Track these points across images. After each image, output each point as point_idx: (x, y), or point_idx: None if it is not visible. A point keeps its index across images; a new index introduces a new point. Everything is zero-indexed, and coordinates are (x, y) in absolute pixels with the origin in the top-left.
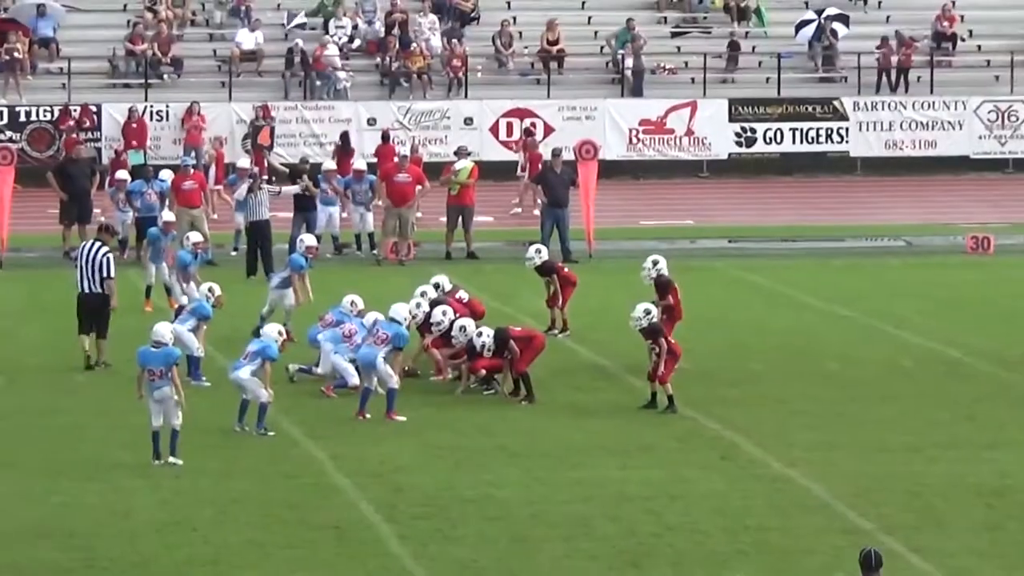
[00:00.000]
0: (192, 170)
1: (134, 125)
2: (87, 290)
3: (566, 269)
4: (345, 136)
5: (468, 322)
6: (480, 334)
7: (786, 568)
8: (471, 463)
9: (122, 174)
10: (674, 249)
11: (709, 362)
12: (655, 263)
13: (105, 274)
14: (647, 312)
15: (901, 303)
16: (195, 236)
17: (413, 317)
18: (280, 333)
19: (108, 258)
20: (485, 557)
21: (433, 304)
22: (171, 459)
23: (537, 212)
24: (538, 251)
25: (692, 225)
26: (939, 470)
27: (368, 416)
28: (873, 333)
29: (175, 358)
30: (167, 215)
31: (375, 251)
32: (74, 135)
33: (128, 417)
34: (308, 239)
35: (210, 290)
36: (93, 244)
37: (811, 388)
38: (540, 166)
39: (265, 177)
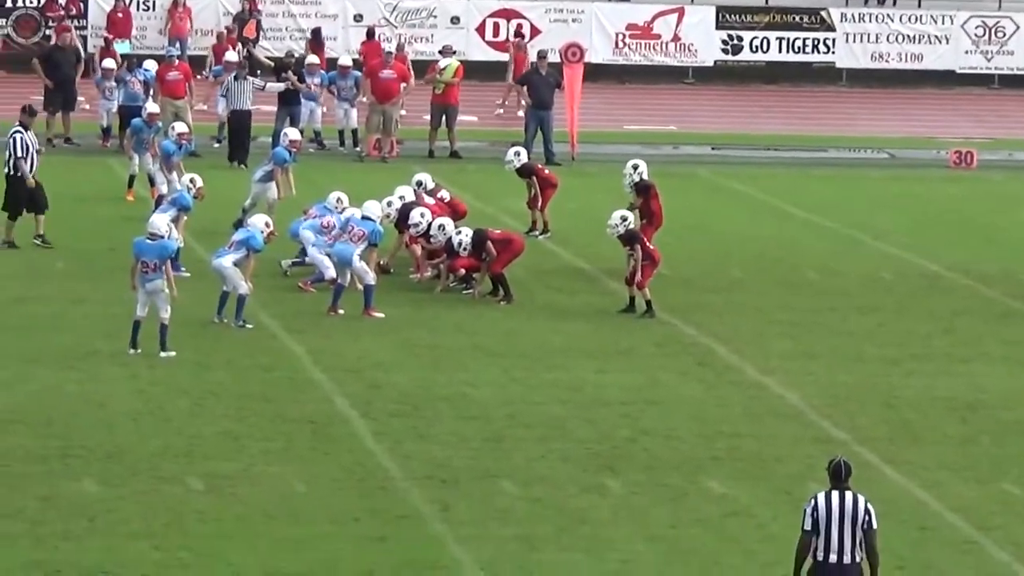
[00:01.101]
0: (177, 60)
1: (119, 14)
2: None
3: (547, 171)
4: (316, 32)
5: (447, 221)
6: (459, 233)
7: (759, 475)
8: (448, 361)
9: (109, 62)
10: (657, 155)
11: (689, 269)
12: (636, 167)
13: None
14: (623, 219)
15: (882, 215)
16: (180, 127)
17: (387, 216)
18: (267, 224)
19: (14, 138)
20: (459, 456)
21: (409, 206)
22: (163, 354)
23: (521, 113)
24: (517, 153)
25: (676, 131)
26: (915, 383)
27: (341, 312)
28: (853, 244)
29: (170, 251)
30: (151, 106)
31: (358, 147)
32: (65, 23)
33: (108, 307)
34: (292, 133)
35: (191, 181)
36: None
37: (790, 297)
38: (525, 68)
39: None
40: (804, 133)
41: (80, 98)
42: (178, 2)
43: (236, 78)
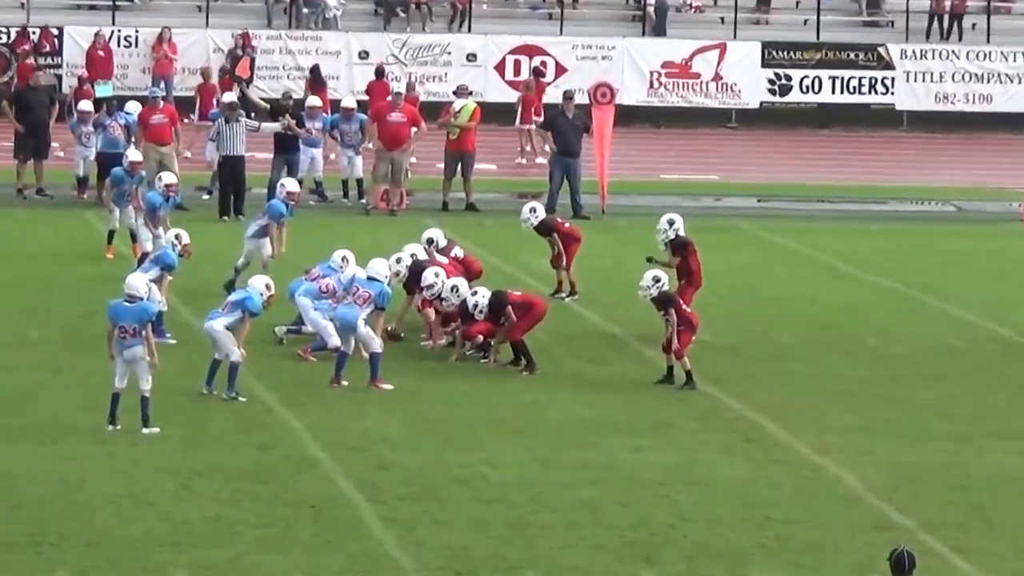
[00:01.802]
0: (162, 102)
1: (100, 52)
2: None
3: (567, 224)
4: (315, 70)
5: (461, 282)
6: (475, 293)
7: (813, 566)
8: (464, 438)
9: (85, 105)
10: (696, 207)
11: (733, 334)
12: (671, 223)
13: None
14: (656, 280)
15: (948, 275)
16: (167, 176)
17: (396, 275)
18: (267, 287)
19: None
20: (478, 544)
21: (421, 264)
22: (145, 430)
23: (544, 160)
24: (533, 210)
25: (718, 181)
26: (989, 462)
27: (345, 384)
28: (916, 306)
29: (150, 314)
30: (132, 153)
31: (363, 199)
32: (30, 60)
33: (87, 377)
34: (289, 184)
35: (176, 237)
36: None
37: (846, 365)
38: (544, 110)
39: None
40: (860, 183)
41: (54, 144)
42: (163, 38)
43: (227, 121)
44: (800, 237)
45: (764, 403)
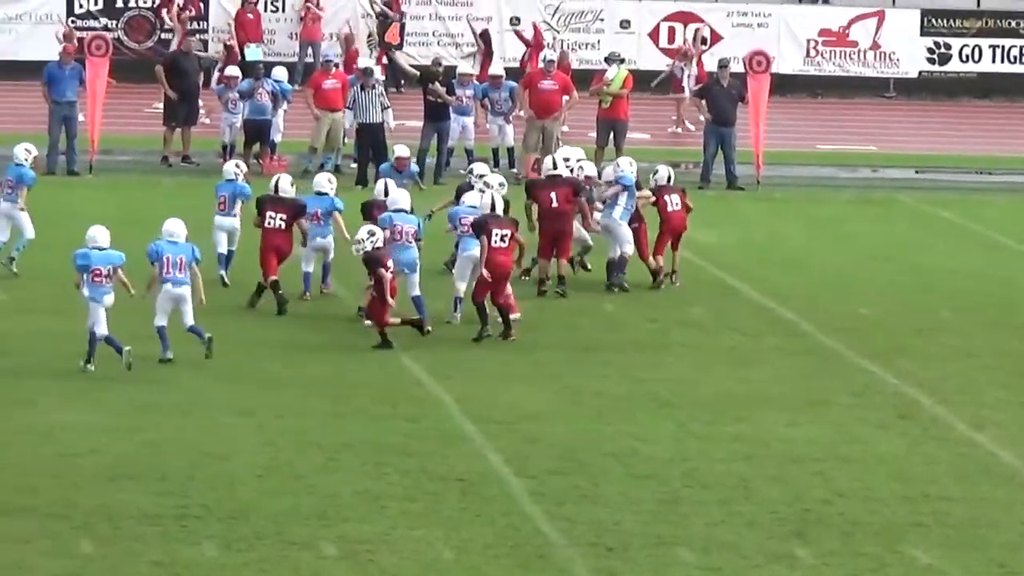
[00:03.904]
0: (334, 68)
1: (250, 15)
2: None
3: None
4: (486, 35)
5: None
6: None
7: (969, 544)
8: (615, 412)
9: (232, 70)
10: (853, 178)
11: (890, 308)
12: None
13: None
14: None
15: None
16: (400, 150)
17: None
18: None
19: None
20: (629, 520)
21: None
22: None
23: (694, 129)
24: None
25: (875, 151)
26: None
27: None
28: None
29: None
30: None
31: (514, 168)
32: (179, 24)
33: (230, 347)
34: (399, 149)
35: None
36: None
37: (1006, 340)
38: (700, 78)
39: (381, 78)
40: (1021, 154)
41: (202, 111)
42: (311, 2)
43: (363, 88)
44: (959, 209)
45: (920, 378)
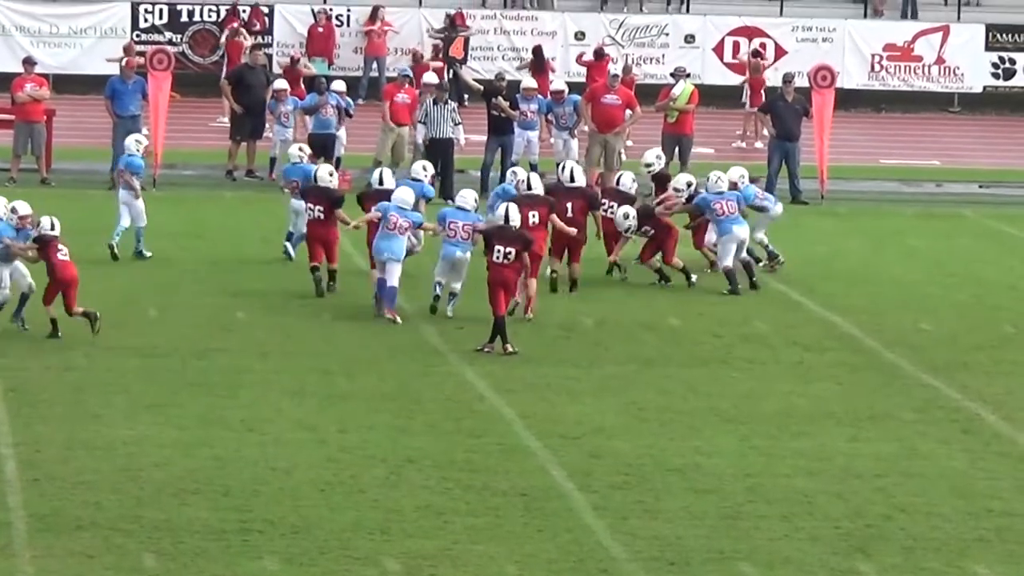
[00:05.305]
0: (407, 83)
1: (320, 29)
2: None
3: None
4: (538, 51)
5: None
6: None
7: None
8: (679, 427)
9: (280, 83)
10: (918, 193)
11: (954, 323)
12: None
13: None
14: (659, 157)
15: None
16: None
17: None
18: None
19: None
20: (692, 535)
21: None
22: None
23: (762, 145)
24: (626, 216)
25: (939, 166)
26: None
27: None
28: None
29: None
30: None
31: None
32: (242, 39)
33: (294, 361)
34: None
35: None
36: None
37: None
38: (764, 93)
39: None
40: None
41: (267, 125)
42: (376, 16)
43: (435, 102)
44: (1023, 224)
45: (984, 394)
